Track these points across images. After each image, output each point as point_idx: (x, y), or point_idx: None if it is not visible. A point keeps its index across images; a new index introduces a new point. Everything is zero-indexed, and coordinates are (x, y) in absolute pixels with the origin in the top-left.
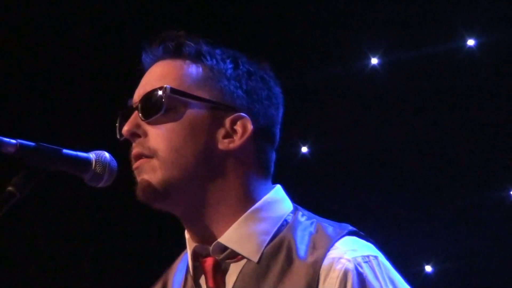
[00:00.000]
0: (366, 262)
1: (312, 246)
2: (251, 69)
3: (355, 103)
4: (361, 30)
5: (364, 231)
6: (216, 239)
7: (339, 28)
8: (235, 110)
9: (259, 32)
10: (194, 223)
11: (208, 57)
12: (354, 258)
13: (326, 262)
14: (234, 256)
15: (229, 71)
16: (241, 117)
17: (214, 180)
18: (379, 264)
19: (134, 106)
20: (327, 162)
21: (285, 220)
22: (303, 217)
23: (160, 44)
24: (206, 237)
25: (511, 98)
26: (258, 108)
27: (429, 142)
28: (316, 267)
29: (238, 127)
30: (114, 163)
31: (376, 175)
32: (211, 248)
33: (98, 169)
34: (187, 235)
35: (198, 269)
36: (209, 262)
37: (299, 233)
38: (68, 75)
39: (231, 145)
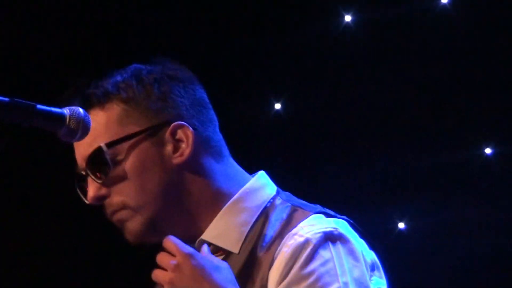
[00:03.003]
0: (321, 234)
1: (279, 231)
2: (156, 75)
3: (329, 59)
4: None
5: (340, 189)
6: (199, 237)
7: None
8: (167, 123)
9: None
10: (180, 231)
11: (115, 92)
12: (309, 232)
13: (282, 241)
14: (218, 250)
15: (140, 92)
16: (176, 126)
17: (186, 193)
18: (334, 235)
19: (84, 173)
20: (301, 119)
21: (265, 207)
22: (279, 201)
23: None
24: (192, 236)
25: (486, 57)
26: (183, 107)
27: (404, 99)
28: (275, 250)
29: (179, 136)
30: (88, 119)
31: (350, 131)
32: (195, 245)
33: (72, 125)
34: None
35: None
36: None
37: (272, 220)
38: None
39: (184, 155)
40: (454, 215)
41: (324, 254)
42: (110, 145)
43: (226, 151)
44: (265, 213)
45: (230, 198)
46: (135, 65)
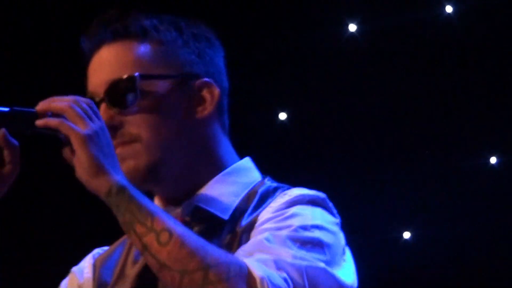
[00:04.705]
0: (312, 195)
1: (268, 202)
2: (194, 31)
3: (333, 69)
4: None
5: (344, 197)
6: (187, 200)
7: None
8: (197, 77)
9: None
10: (175, 185)
11: (154, 32)
12: (301, 192)
13: (272, 201)
14: (204, 215)
15: (178, 39)
16: (205, 83)
17: (195, 149)
18: (321, 199)
19: (98, 98)
20: (306, 128)
21: (255, 185)
22: (268, 181)
23: (103, 27)
24: (178, 199)
25: (491, 66)
26: (213, 69)
27: (409, 108)
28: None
29: (205, 93)
30: None
31: (355, 141)
32: (181, 208)
33: None
34: (157, 200)
35: None
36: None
37: (261, 194)
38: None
39: (205, 113)
40: (460, 225)
41: (306, 207)
42: (144, 77)
43: (227, 128)
44: (254, 189)
45: (223, 169)
46: (171, 16)
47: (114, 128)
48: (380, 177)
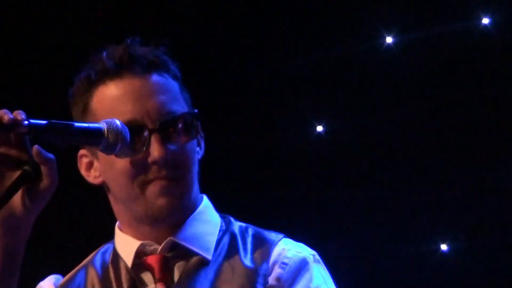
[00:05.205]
0: (313, 255)
1: (256, 247)
2: (177, 65)
3: (370, 82)
4: (375, 9)
5: (382, 209)
6: (166, 238)
7: (353, 6)
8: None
9: (275, 10)
10: (165, 226)
11: (172, 67)
12: (302, 251)
13: (274, 253)
14: (184, 253)
15: (179, 76)
16: (200, 122)
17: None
18: (319, 261)
19: (151, 127)
20: (342, 140)
21: (223, 224)
22: (236, 222)
23: (136, 55)
24: (155, 235)
25: None
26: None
27: (445, 120)
28: (262, 265)
29: (201, 132)
30: (126, 130)
31: (392, 152)
32: (162, 245)
33: (111, 139)
34: (124, 234)
35: (138, 266)
36: (155, 258)
37: (239, 237)
38: None
39: (202, 152)
40: (497, 237)
41: (320, 272)
42: (198, 113)
43: None
44: (228, 229)
45: (195, 208)
46: (149, 47)
47: (166, 162)
48: (417, 189)
